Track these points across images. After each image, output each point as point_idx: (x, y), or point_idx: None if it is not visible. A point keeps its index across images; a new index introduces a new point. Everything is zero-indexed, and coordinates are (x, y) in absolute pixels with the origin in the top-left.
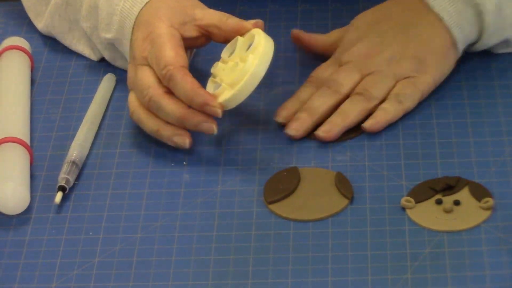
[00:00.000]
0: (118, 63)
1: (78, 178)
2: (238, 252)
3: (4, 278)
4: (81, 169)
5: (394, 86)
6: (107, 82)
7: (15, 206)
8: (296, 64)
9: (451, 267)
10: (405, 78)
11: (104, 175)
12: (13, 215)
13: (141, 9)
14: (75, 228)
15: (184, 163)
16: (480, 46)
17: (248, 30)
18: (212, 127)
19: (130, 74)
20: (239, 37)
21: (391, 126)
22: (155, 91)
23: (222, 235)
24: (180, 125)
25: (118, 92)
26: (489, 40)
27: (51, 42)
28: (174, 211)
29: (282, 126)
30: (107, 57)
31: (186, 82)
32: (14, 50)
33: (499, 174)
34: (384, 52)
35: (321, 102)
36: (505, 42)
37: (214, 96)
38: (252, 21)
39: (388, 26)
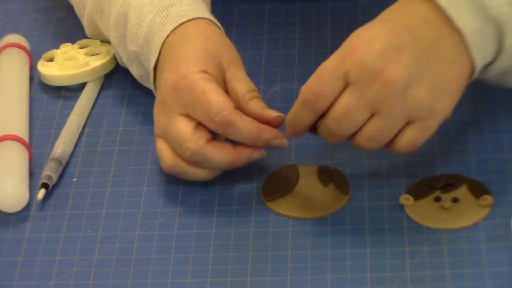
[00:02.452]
0: (147, 84)
1: (76, 175)
2: (237, 250)
3: (3, 276)
4: (79, 166)
5: (402, 127)
6: (95, 80)
7: (14, 204)
8: (294, 61)
9: (450, 264)
10: (415, 121)
11: (102, 173)
12: (12, 212)
13: (170, 34)
14: (74, 225)
15: None
16: (494, 68)
17: (268, 121)
18: (263, 153)
19: (159, 120)
20: (99, 42)
21: None
22: (197, 144)
23: (221, 233)
24: (230, 167)
25: (115, 90)
26: (505, 62)
27: (50, 40)
28: (173, 209)
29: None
30: (134, 74)
31: (247, 123)
32: (13, 48)
33: (498, 172)
34: (399, 71)
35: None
36: None
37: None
38: (275, 114)
39: (407, 38)
